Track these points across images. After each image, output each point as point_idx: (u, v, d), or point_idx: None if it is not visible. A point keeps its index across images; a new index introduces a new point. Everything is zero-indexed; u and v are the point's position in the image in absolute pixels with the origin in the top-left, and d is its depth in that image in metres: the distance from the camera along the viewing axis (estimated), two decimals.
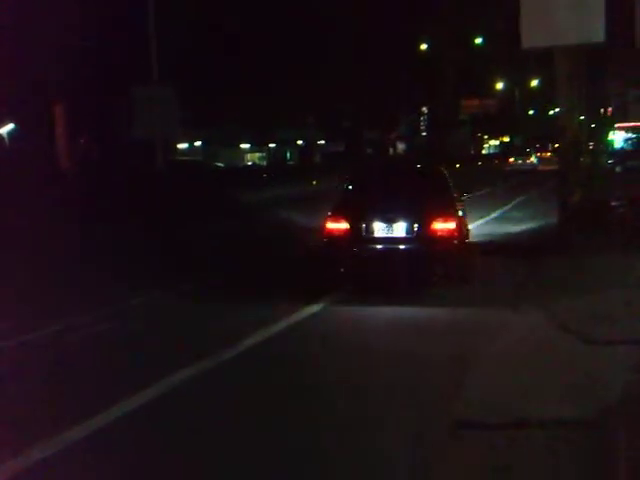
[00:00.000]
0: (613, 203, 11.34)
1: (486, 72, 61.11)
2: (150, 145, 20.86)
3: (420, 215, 8.65)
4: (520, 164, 49.95)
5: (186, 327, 7.52)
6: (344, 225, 8.70)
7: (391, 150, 58.06)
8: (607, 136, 33.61)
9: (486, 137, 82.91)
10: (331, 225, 8.78)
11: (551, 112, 58.06)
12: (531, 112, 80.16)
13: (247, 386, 5.61)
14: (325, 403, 5.17)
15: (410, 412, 4.79)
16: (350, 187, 9.56)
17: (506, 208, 20.62)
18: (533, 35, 10.13)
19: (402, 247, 8.63)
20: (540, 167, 48.64)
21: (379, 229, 8.67)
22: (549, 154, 59.56)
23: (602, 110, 40.26)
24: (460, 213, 9.31)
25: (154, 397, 5.22)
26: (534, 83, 68.30)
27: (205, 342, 6.71)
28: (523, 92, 72.30)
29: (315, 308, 8.00)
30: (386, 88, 43.98)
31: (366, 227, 8.66)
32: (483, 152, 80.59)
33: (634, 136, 34.77)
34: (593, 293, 7.45)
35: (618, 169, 26.90)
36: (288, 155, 49.49)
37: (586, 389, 4.93)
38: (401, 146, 61.25)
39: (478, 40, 55.62)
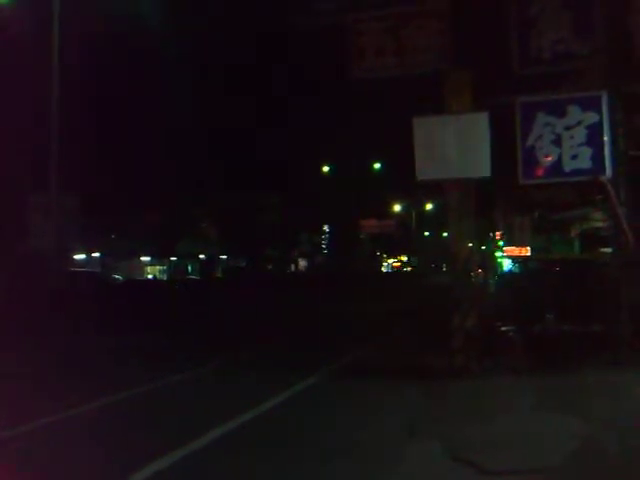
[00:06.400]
0: (503, 328, 11.71)
1: (385, 195, 64.00)
2: (45, 255, 20.20)
3: None
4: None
5: None
6: None
7: (292, 266, 58.77)
8: (496, 259, 35.32)
9: (385, 255, 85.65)
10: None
11: (445, 234, 61.03)
12: (427, 233, 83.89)
13: None
14: None
15: None
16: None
17: None
18: (425, 168, 10.73)
19: None
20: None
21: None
22: None
23: (491, 234, 42.55)
24: None
25: None
26: (429, 207, 71.95)
27: None
28: (419, 215, 75.87)
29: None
30: (287, 209, 45.06)
31: None
32: (382, 269, 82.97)
33: (520, 259, 36.66)
34: (487, 420, 7.56)
35: (507, 292, 28.05)
36: (189, 268, 49.03)
37: None
38: (303, 263, 62.12)
39: (377, 165, 58.53)
